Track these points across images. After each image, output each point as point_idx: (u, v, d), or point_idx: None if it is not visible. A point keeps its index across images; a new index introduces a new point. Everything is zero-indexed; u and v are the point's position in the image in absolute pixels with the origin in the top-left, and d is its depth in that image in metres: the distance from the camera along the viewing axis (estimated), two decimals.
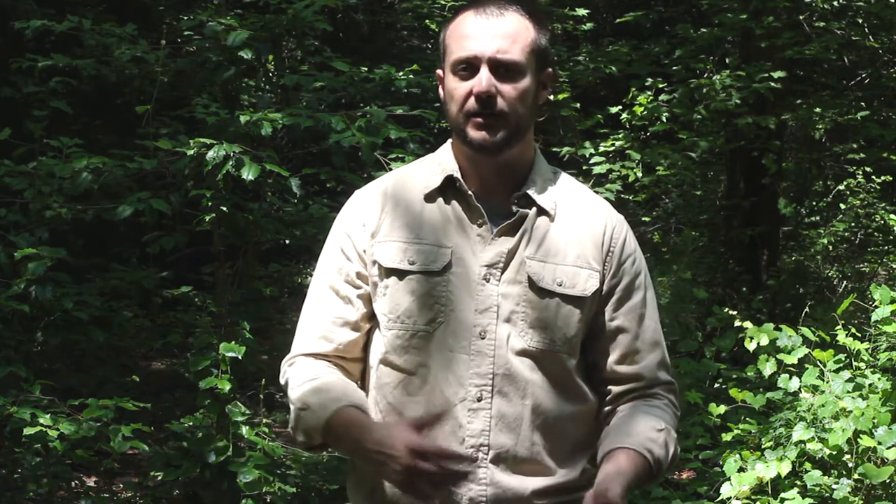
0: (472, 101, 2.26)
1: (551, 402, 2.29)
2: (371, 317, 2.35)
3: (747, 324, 5.23)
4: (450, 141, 2.41)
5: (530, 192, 2.33)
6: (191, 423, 5.55)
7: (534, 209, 2.33)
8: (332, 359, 2.36)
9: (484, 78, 2.25)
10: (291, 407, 2.34)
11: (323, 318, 2.36)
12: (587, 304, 2.33)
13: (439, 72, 2.37)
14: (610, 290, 2.36)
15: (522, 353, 2.27)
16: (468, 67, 2.26)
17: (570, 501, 2.33)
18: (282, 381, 2.40)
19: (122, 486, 5.94)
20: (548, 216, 2.33)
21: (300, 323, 2.40)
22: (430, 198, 2.34)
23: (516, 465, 2.27)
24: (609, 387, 2.38)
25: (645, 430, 2.30)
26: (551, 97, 7.81)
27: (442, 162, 2.37)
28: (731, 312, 5.88)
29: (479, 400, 2.26)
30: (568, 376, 2.31)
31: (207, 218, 5.11)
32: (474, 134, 2.27)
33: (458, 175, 2.33)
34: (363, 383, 2.39)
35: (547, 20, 2.38)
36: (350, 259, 2.35)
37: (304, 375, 2.34)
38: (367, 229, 2.34)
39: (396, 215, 2.34)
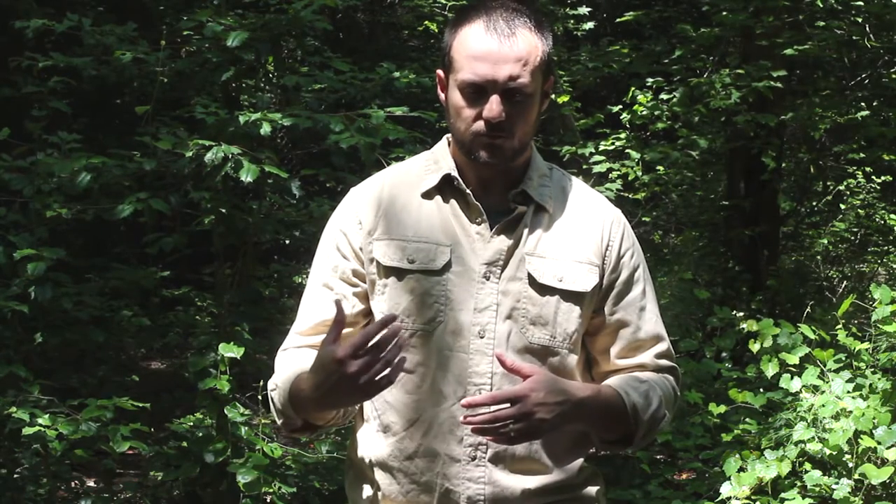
0: (480, 124, 2.24)
1: None
2: (366, 314, 2.35)
3: (751, 322, 5.23)
4: (446, 138, 2.40)
5: (527, 189, 2.33)
6: (191, 424, 5.55)
7: (531, 206, 2.33)
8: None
9: (495, 104, 2.22)
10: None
11: (315, 315, 2.36)
12: (587, 300, 2.33)
13: (440, 73, 2.35)
14: (610, 285, 2.36)
15: (523, 350, 2.27)
16: (477, 91, 2.24)
17: (568, 500, 2.34)
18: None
19: (122, 486, 5.94)
20: (546, 212, 2.33)
21: (295, 319, 2.41)
22: (427, 196, 2.34)
23: (514, 464, 2.27)
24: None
25: (625, 379, 2.32)
26: (552, 97, 7.84)
27: (439, 160, 2.36)
28: (735, 314, 5.89)
29: None
30: (568, 373, 2.30)
31: (207, 220, 5.11)
32: (481, 154, 2.26)
33: (455, 174, 2.33)
34: None
35: (549, 26, 2.37)
36: (346, 257, 2.34)
37: (280, 363, 2.35)
38: (364, 227, 2.33)
39: (394, 213, 2.33)
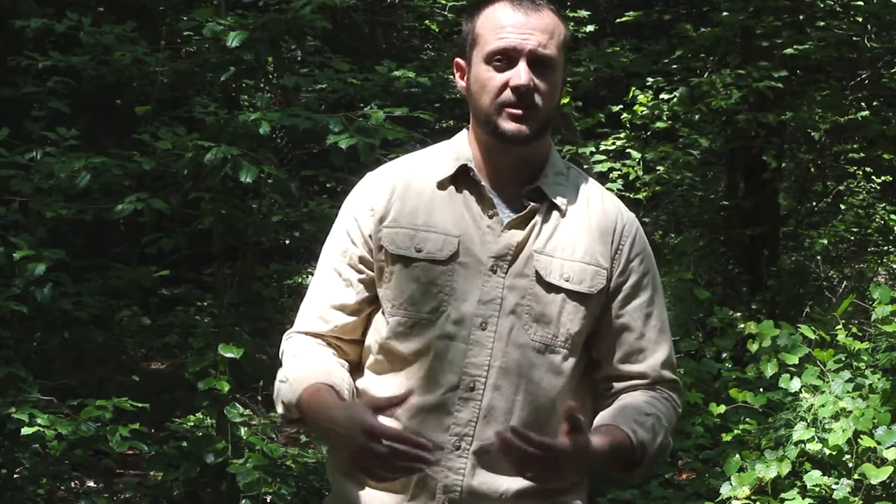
0: (507, 93, 2.26)
1: (544, 401, 2.28)
2: (372, 301, 2.35)
3: (750, 324, 5.23)
4: (465, 130, 2.40)
5: (543, 186, 2.33)
6: (191, 424, 5.54)
7: (545, 203, 2.32)
8: (327, 338, 2.36)
9: (523, 71, 2.25)
10: (276, 379, 2.35)
11: (323, 300, 2.36)
12: (593, 302, 2.32)
13: (460, 61, 2.36)
14: (617, 288, 2.35)
15: (524, 346, 2.27)
16: (505, 59, 2.26)
17: None
18: (280, 357, 2.41)
19: (122, 486, 5.94)
20: (559, 211, 2.33)
21: (304, 301, 2.41)
22: (441, 185, 2.34)
23: (498, 459, 2.23)
24: (612, 384, 2.37)
25: (633, 413, 2.30)
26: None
27: (457, 150, 2.36)
28: (734, 314, 5.88)
29: (472, 390, 2.25)
30: (566, 375, 2.30)
31: (207, 220, 5.11)
32: (507, 125, 2.26)
33: (472, 164, 2.33)
34: (361, 365, 2.38)
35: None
36: (355, 243, 2.34)
37: (292, 350, 2.35)
38: (376, 214, 2.33)
39: (406, 201, 2.33)
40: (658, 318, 2.39)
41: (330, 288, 2.36)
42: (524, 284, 2.28)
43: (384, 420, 2.20)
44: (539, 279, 2.29)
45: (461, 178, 2.33)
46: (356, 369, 2.38)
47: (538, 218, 2.31)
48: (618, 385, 2.37)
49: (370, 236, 2.33)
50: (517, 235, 2.29)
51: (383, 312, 2.32)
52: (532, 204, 2.31)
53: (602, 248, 2.34)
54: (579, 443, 2.14)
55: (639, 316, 2.36)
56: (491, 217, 2.30)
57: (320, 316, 2.36)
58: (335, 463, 2.37)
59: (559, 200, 2.33)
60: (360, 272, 2.34)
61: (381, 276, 2.32)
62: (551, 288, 2.29)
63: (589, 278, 2.31)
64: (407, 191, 2.34)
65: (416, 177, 2.36)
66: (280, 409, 2.33)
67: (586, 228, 2.34)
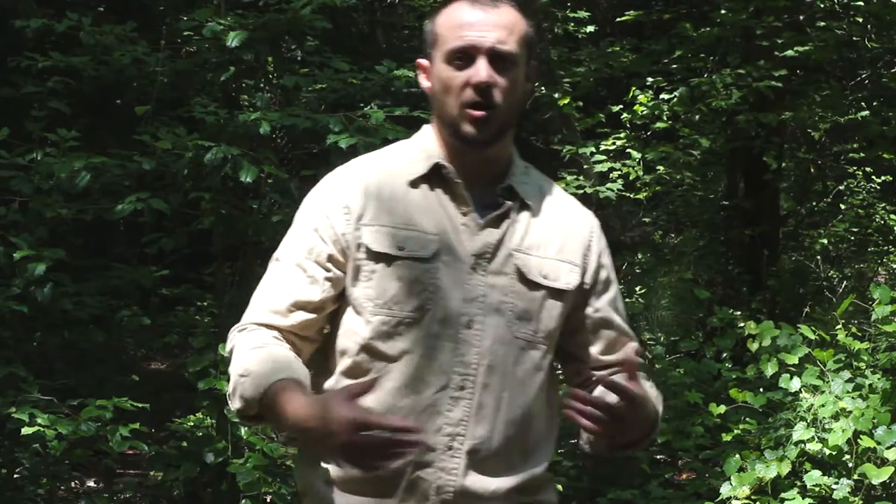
0: (469, 92, 2.25)
1: (526, 397, 2.29)
2: (336, 300, 2.31)
3: (750, 324, 5.24)
4: (428, 126, 2.39)
5: (514, 184, 2.34)
6: (191, 424, 5.55)
7: (517, 202, 2.33)
8: (284, 333, 2.31)
9: (482, 69, 2.24)
10: (231, 372, 2.29)
11: (283, 294, 2.31)
12: (569, 298, 2.34)
13: (422, 61, 2.36)
14: (591, 284, 2.38)
15: (509, 344, 2.27)
16: (464, 57, 2.26)
17: (535, 503, 2.34)
18: (227, 348, 2.35)
19: (122, 486, 5.94)
20: (529, 209, 2.34)
21: (256, 294, 2.36)
22: (414, 184, 2.32)
23: (489, 458, 2.25)
24: (592, 374, 2.41)
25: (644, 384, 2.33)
26: (555, 96, 7.86)
27: (425, 148, 2.35)
28: (734, 313, 5.88)
29: (462, 389, 2.24)
30: (544, 370, 2.32)
31: (207, 221, 5.11)
32: (468, 129, 2.26)
33: (445, 162, 2.32)
34: (321, 365, 2.34)
35: (532, 14, 2.38)
36: (325, 241, 2.30)
37: (250, 343, 2.28)
38: (352, 213, 2.30)
39: (382, 200, 2.31)
40: (623, 307, 2.45)
41: (292, 284, 2.31)
42: (505, 282, 2.29)
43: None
44: (521, 277, 2.30)
45: (434, 177, 2.32)
46: (316, 369, 2.34)
47: (513, 216, 2.32)
48: (599, 374, 2.40)
49: (343, 235, 2.29)
50: (494, 233, 2.30)
51: (359, 312, 2.28)
52: (508, 202, 2.32)
53: (572, 246, 2.36)
54: (637, 384, 2.19)
55: (611, 309, 2.41)
56: (465, 215, 2.30)
57: (280, 311, 2.30)
58: (313, 468, 2.31)
59: (529, 199, 2.35)
60: (328, 270, 2.30)
61: (357, 276, 2.29)
62: (532, 285, 2.30)
63: (564, 275, 2.34)
64: (380, 190, 2.32)
65: (386, 176, 2.34)
66: (238, 405, 2.26)
67: (557, 227, 2.36)
